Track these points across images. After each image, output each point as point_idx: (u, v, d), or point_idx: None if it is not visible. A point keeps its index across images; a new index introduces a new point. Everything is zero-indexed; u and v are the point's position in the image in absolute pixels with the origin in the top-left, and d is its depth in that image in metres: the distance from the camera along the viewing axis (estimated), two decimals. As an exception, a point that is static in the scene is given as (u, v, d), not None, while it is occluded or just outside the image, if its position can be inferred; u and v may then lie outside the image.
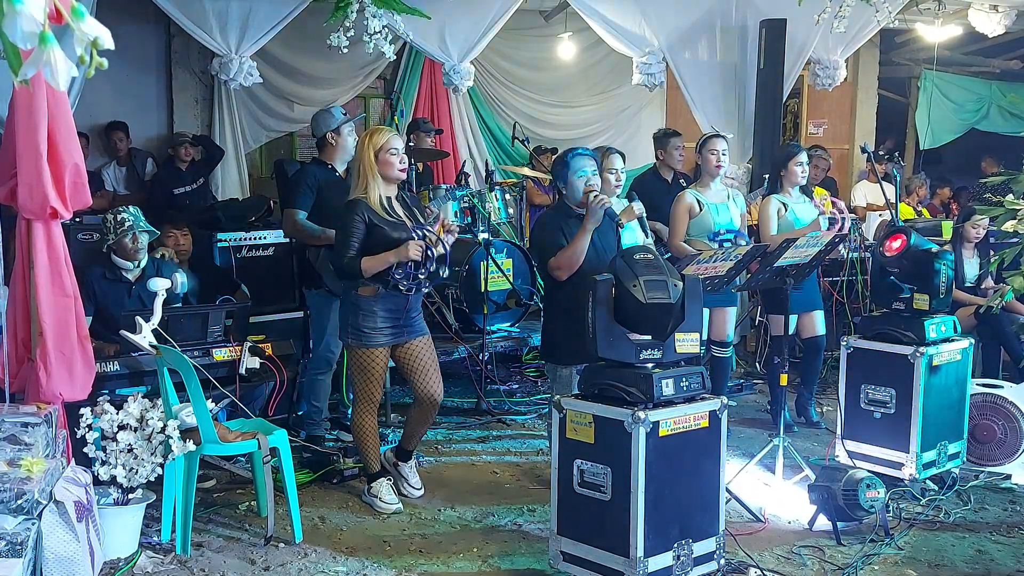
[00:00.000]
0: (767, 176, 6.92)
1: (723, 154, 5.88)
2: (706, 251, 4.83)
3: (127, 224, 4.91)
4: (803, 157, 6.02)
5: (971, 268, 6.86)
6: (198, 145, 8.14)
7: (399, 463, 4.91)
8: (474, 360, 6.58)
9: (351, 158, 5.38)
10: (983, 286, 6.79)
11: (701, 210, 5.80)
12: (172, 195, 7.82)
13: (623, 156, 5.29)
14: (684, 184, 7.15)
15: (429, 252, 4.49)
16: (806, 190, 6.17)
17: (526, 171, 8.05)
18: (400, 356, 4.70)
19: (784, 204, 5.95)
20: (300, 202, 5.34)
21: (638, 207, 5.04)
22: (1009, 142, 11.20)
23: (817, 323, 6.07)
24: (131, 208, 5.02)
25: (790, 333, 5.92)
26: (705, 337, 5.87)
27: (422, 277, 4.53)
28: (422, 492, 4.89)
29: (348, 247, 4.48)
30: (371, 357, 4.60)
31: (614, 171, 5.11)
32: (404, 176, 4.64)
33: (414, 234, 4.49)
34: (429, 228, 4.59)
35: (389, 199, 4.58)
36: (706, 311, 5.82)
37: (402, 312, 4.61)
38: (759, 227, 6.08)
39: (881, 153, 9.25)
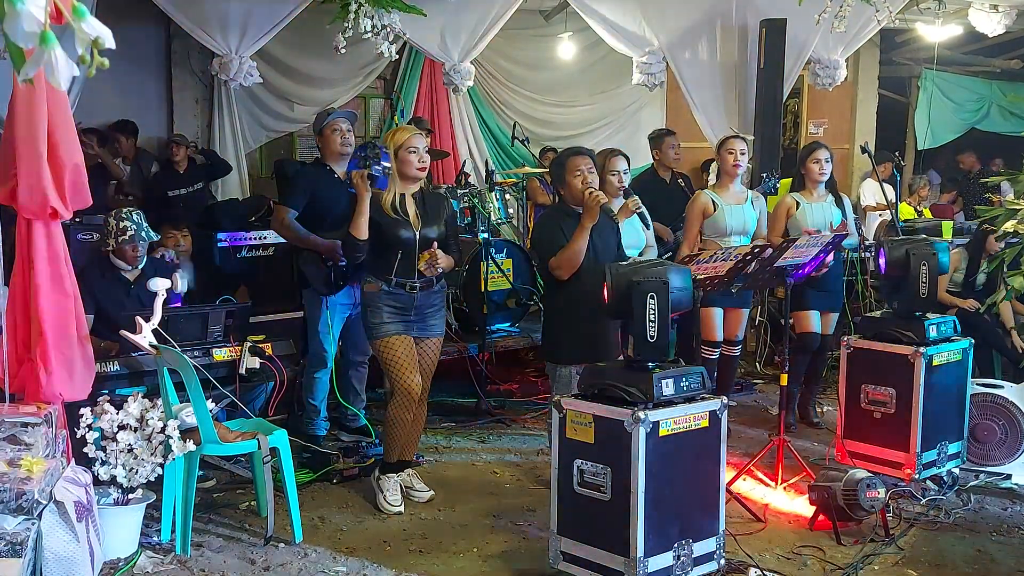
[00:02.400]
0: (764, 175, 6.92)
1: (741, 154, 5.87)
2: (706, 251, 4.83)
3: (128, 233, 4.91)
4: (822, 154, 5.94)
5: (982, 275, 6.84)
6: (190, 145, 8.10)
7: (399, 475, 4.85)
8: (474, 360, 6.58)
9: (344, 157, 5.42)
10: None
11: (715, 210, 5.80)
12: (167, 196, 7.80)
13: (627, 158, 5.28)
14: (683, 184, 7.16)
15: (367, 170, 4.51)
16: (831, 186, 6.08)
17: (529, 169, 8.06)
18: None
19: (796, 203, 5.93)
20: (292, 201, 5.44)
21: (634, 202, 5.03)
22: (1009, 142, 11.21)
23: (829, 323, 6.08)
24: (134, 215, 4.98)
25: (818, 331, 5.93)
26: (721, 338, 5.89)
27: (379, 169, 4.54)
28: (431, 493, 4.86)
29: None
30: (388, 347, 4.59)
31: (616, 172, 5.11)
32: (423, 175, 4.66)
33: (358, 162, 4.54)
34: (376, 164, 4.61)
35: (403, 196, 4.60)
36: (720, 311, 5.84)
37: (410, 309, 4.62)
38: (768, 225, 6.07)
39: (893, 153, 9.25)
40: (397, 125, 4.88)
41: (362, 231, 4.48)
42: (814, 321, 5.97)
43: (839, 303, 6.20)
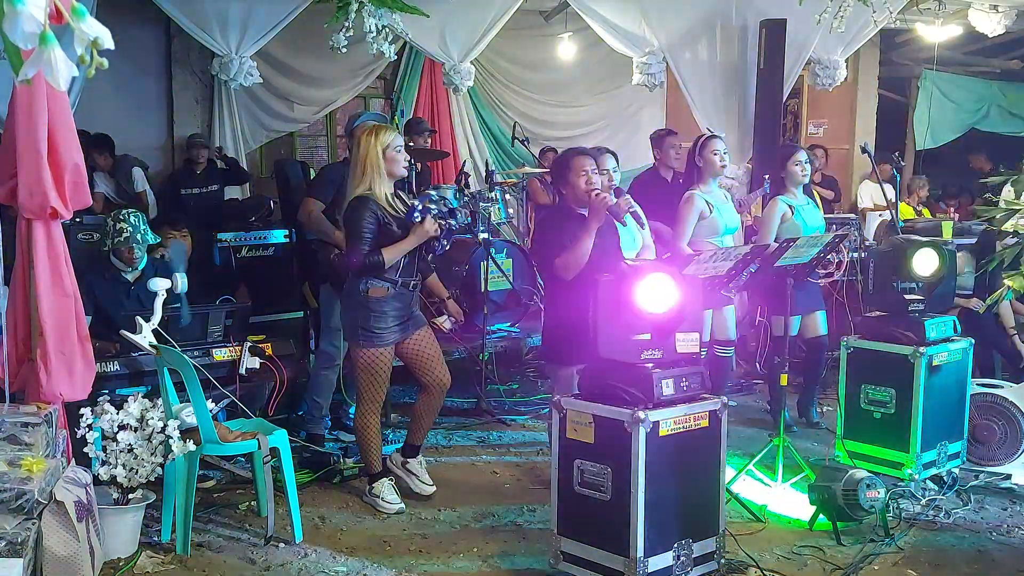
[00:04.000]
0: (767, 176, 6.92)
1: (725, 153, 5.88)
2: (706, 251, 4.82)
3: (124, 235, 4.91)
4: (801, 156, 5.98)
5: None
6: (205, 148, 8.09)
7: (407, 461, 4.90)
8: (474, 360, 6.57)
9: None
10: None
11: (712, 212, 5.79)
12: (179, 195, 7.82)
13: (616, 156, 5.30)
14: (684, 184, 7.15)
15: (441, 223, 4.56)
16: (808, 190, 6.13)
17: (529, 169, 8.06)
18: (405, 350, 4.72)
19: (791, 206, 5.92)
20: (321, 194, 5.45)
21: (626, 201, 5.02)
22: (1009, 142, 11.20)
23: (819, 324, 6.06)
24: (132, 217, 4.97)
25: (793, 334, 5.91)
26: (707, 338, 5.88)
27: (446, 244, 4.66)
28: (434, 488, 4.87)
29: (364, 243, 4.48)
30: (379, 357, 4.61)
31: (606, 171, 5.11)
32: (406, 173, 4.67)
33: (420, 207, 4.54)
34: (430, 203, 4.62)
35: (387, 196, 4.60)
36: (709, 312, 5.82)
37: (408, 307, 4.65)
38: (760, 228, 6.06)
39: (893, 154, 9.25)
40: (375, 124, 4.84)
41: (393, 262, 4.50)
42: (792, 324, 5.92)
43: (819, 299, 6.12)
